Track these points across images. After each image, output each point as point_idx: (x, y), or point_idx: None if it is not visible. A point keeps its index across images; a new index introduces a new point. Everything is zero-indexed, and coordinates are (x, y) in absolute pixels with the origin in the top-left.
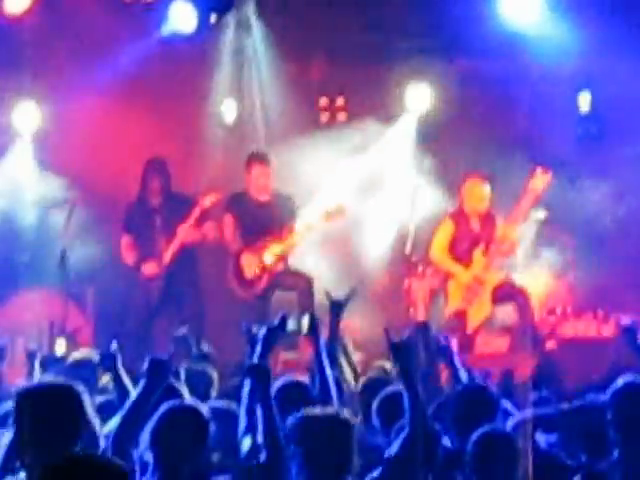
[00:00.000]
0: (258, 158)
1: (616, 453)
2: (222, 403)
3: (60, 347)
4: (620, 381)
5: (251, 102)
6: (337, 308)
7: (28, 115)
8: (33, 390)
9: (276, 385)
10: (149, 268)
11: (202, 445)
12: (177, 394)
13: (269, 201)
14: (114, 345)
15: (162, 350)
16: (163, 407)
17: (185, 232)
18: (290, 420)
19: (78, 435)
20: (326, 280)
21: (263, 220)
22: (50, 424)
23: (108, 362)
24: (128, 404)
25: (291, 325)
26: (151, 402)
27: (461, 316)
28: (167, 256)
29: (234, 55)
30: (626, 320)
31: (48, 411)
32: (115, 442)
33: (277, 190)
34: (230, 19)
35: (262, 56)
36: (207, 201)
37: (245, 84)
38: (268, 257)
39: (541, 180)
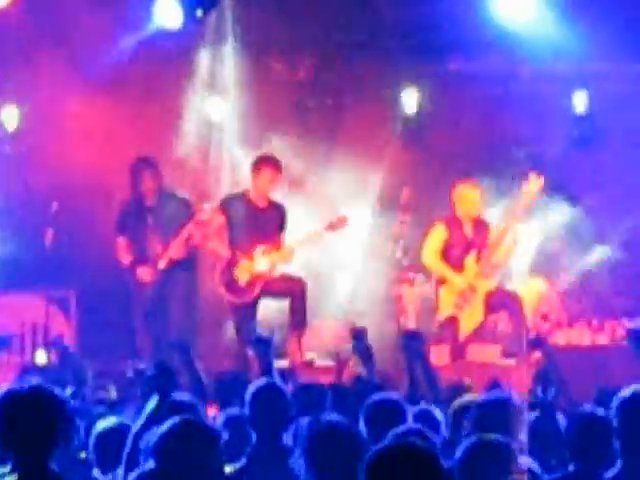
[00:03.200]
0: (270, 163)
1: (620, 463)
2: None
3: (41, 358)
4: (627, 391)
5: (236, 101)
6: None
7: (9, 112)
8: (12, 394)
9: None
10: (144, 274)
11: (213, 459)
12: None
13: (266, 207)
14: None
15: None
16: (170, 422)
17: (177, 246)
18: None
19: (55, 440)
20: (316, 286)
21: (258, 226)
22: (26, 428)
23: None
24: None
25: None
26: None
27: (452, 323)
28: (161, 264)
29: (216, 53)
30: (630, 323)
31: (25, 415)
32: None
33: (271, 198)
34: (211, 17)
35: (244, 55)
36: (202, 216)
37: (228, 83)
38: (263, 264)
39: (535, 184)
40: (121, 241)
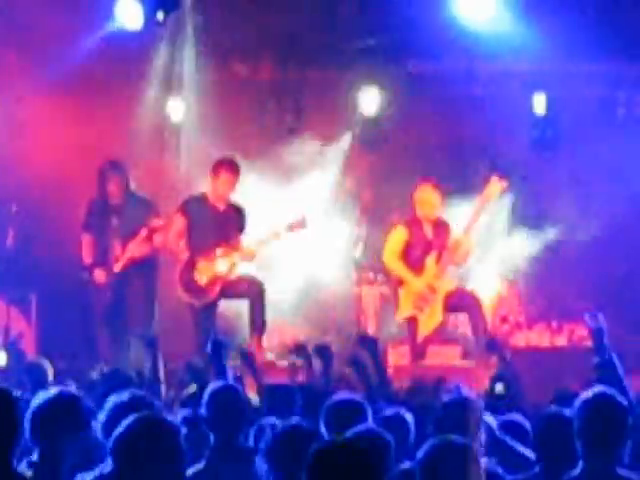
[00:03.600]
0: (228, 166)
1: (581, 464)
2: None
3: (1, 359)
4: (589, 392)
5: (196, 102)
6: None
7: None
8: None
9: None
10: (99, 276)
11: (175, 456)
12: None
13: (226, 210)
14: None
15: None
16: (128, 421)
17: (135, 247)
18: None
19: (15, 440)
20: (276, 287)
21: (218, 228)
22: None
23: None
24: None
25: None
26: None
27: (412, 324)
28: (117, 267)
29: (176, 54)
30: (592, 322)
31: None
32: None
33: (231, 200)
34: (172, 18)
35: (204, 56)
36: (156, 223)
37: (189, 84)
38: (223, 265)
39: (496, 187)
40: (86, 239)
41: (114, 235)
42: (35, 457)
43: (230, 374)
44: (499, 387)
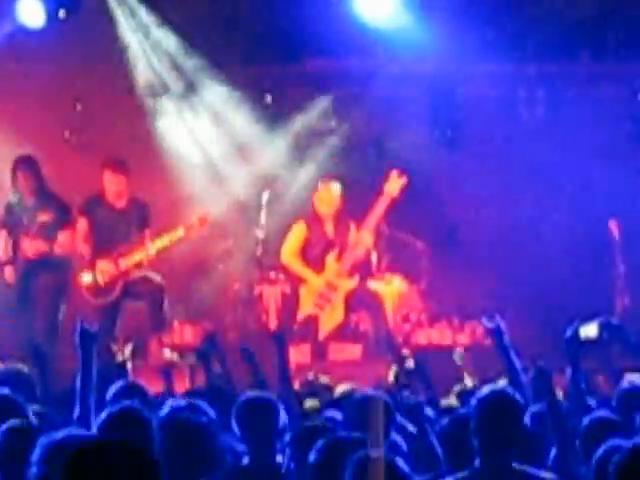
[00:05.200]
0: (110, 165)
1: (477, 462)
2: None
3: None
4: (485, 389)
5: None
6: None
7: None
8: None
9: None
10: (8, 275)
11: None
12: None
13: (125, 208)
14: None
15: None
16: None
17: (30, 245)
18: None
19: None
20: (178, 286)
21: (118, 227)
22: None
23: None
24: None
25: None
26: None
27: (313, 322)
28: (8, 272)
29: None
30: (491, 322)
31: None
32: None
33: (134, 197)
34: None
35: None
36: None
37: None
38: (123, 264)
39: (396, 183)
40: (1, 235)
41: (25, 235)
42: None
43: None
44: (410, 363)
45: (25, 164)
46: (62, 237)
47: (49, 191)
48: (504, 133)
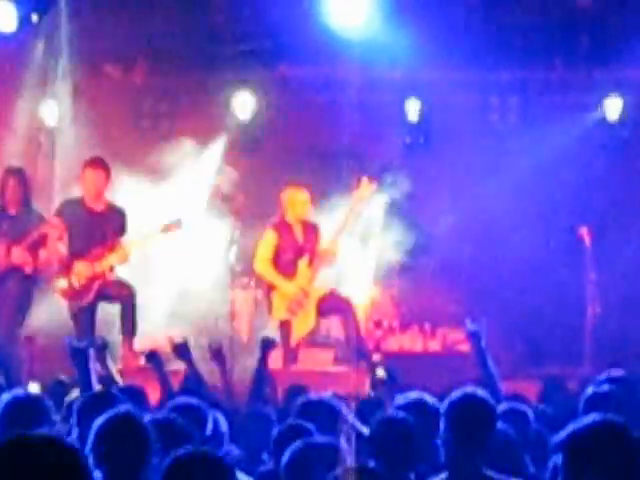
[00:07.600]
0: (92, 164)
1: (445, 467)
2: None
3: None
4: (456, 393)
5: (70, 106)
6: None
7: None
8: None
9: None
10: None
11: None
12: None
13: (103, 211)
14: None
15: None
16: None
17: (18, 254)
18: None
19: None
20: (150, 290)
21: (97, 229)
22: None
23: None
24: None
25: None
26: None
27: (285, 328)
28: None
29: (51, 57)
30: (471, 326)
31: None
32: None
33: (111, 201)
34: (46, 21)
35: (79, 59)
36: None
37: (63, 87)
38: (99, 268)
39: (367, 189)
40: None
41: (2, 240)
42: None
43: (95, 382)
44: (380, 372)
45: (17, 175)
46: (43, 253)
47: (32, 205)
48: (476, 140)
